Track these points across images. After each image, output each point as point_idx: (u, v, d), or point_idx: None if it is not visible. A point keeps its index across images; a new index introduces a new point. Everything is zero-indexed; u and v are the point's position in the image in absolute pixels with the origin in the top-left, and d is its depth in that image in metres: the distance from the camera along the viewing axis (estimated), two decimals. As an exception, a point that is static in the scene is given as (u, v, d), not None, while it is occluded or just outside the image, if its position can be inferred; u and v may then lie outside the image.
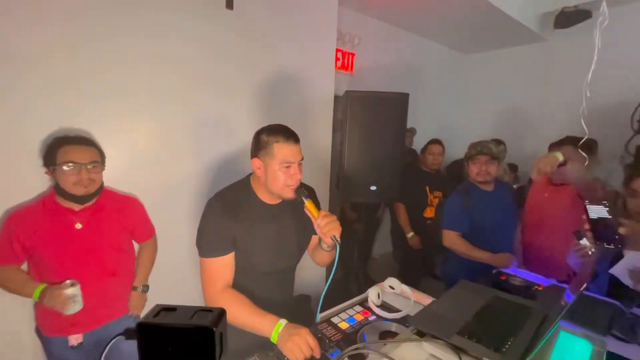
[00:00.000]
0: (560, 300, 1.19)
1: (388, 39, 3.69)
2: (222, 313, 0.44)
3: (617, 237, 0.94)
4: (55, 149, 1.21)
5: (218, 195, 1.14)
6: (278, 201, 1.16)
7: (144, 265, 1.50)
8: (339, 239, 1.02)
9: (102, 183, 1.33)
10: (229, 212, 1.07)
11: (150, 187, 1.61)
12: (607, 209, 0.96)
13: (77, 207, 1.26)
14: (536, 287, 1.46)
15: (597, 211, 0.98)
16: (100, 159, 1.30)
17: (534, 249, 1.91)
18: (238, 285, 1.12)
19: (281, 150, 1.05)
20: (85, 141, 1.28)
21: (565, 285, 1.47)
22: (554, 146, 1.90)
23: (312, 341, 0.93)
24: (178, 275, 1.73)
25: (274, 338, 0.96)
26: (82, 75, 1.39)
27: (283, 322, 0.99)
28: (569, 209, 1.77)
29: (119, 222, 1.37)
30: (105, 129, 1.47)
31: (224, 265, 1.08)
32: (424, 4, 3.08)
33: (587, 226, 1.00)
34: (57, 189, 1.23)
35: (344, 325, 1.07)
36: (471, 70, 4.62)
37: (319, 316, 1.11)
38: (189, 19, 1.64)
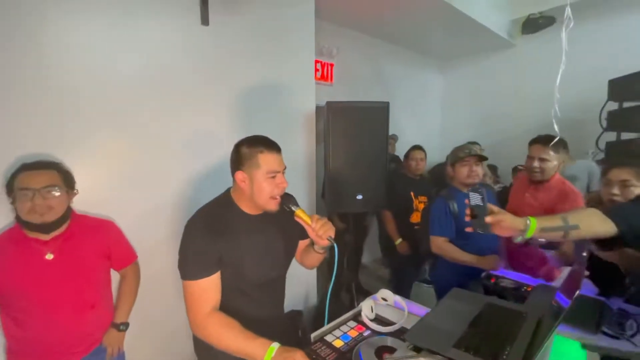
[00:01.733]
0: (551, 300, 1.20)
1: (365, 48, 3.76)
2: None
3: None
4: (14, 177, 1.13)
5: (199, 214, 1.10)
6: (261, 211, 1.14)
7: (125, 297, 1.39)
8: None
9: (69, 208, 1.22)
10: (213, 230, 1.04)
11: (129, 209, 1.54)
12: (482, 197, 1.04)
13: (45, 236, 1.16)
14: (525, 287, 1.47)
15: (475, 199, 1.05)
16: (61, 183, 1.17)
17: (518, 249, 1.95)
18: (228, 304, 1.08)
19: (266, 160, 1.05)
20: (43, 165, 1.17)
21: (551, 284, 1.49)
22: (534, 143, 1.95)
23: (308, 365, 0.89)
24: (161, 300, 1.65)
25: None
26: (52, 95, 1.33)
27: (275, 345, 0.95)
28: (553, 205, 1.82)
29: (95, 249, 1.28)
30: (79, 151, 1.40)
31: (210, 286, 1.03)
32: (396, 14, 3.16)
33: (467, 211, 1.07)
34: (17, 218, 1.14)
35: (338, 344, 1.03)
36: (447, 77, 4.76)
37: (312, 336, 1.07)
38: (166, 36, 1.61)
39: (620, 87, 2.74)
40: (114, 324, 1.33)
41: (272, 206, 1.08)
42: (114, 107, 1.48)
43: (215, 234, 1.03)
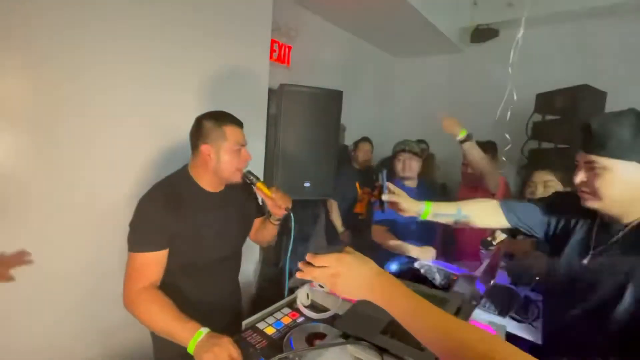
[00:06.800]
0: (472, 288, 1.31)
1: (324, 34, 3.70)
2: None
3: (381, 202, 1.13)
4: None
5: (156, 188, 1.08)
6: (220, 189, 1.17)
7: None
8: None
9: None
10: (169, 206, 1.03)
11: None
12: (382, 177, 1.13)
13: None
14: (452, 276, 1.59)
15: (381, 179, 1.14)
16: None
17: (458, 244, 2.11)
18: (179, 283, 1.10)
19: (234, 133, 1.10)
20: None
21: (473, 274, 1.64)
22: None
23: (234, 352, 0.86)
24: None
25: (190, 348, 0.87)
26: None
27: (204, 330, 0.90)
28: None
29: None
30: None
31: (153, 262, 1.02)
32: (357, 3, 3.14)
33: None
34: None
35: (270, 331, 1.01)
36: (400, 73, 4.91)
37: (244, 323, 1.03)
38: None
39: (545, 101, 3.08)
40: None
41: (236, 178, 1.13)
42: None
43: (170, 209, 1.03)
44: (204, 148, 1.08)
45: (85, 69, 1.39)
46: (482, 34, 3.74)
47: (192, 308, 0.98)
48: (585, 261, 0.84)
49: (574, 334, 0.86)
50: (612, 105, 2.93)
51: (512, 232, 1.17)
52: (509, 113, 1.80)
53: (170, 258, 1.06)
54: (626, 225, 0.80)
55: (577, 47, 3.37)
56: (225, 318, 1.12)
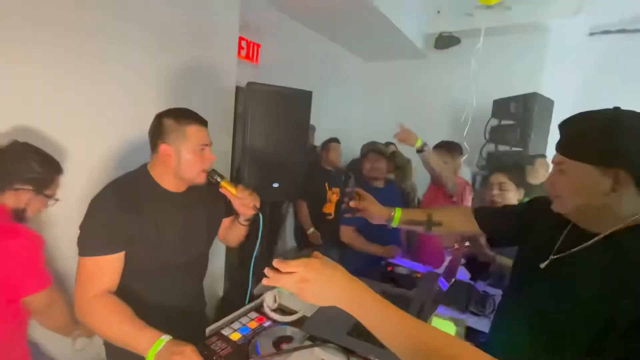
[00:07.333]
0: (434, 285, 1.37)
1: (294, 34, 3.68)
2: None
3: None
4: None
5: (112, 187, 0.99)
6: (183, 189, 1.09)
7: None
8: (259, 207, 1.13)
9: None
10: (127, 206, 0.95)
11: None
12: (351, 182, 1.16)
13: None
14: (415, 274, 1.65)
15: (351, 184, 1.17)
16: None
17: (422, 242, 2.18)
18: (140, 290, 1.02)
19: (196, 133, 1.02)
20: None
21: (436, 271, 1.71)
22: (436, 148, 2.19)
23: (197, 360, 0.82)
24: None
25: (150, 357, 0.82)
26: None
27: (166, 338, 0.85)
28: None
29: None
30: None
31: (108, 266, 0.94)
32: (325, 7, 3.15)
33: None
34: None
35: (235, 337, 0.98)
36: (369, 77, 5.01)
37: (208, 330, 0.99)
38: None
39: (501, 107, 3.28)
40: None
41: (200, 179, 1.06)
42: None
43: (126, 209, 0.94)
44: (163, 148, 1.00)
45: (38, 64, 1.28)
46: (445, 41, 3.92)
47: (152, 316, 0.93)
48: (542, 265, 0.81)
49: (515, 332, 0.84)
50: (558, 112, 3.21)
51: (487, 238, 1.17)
52: (470, 118, 1.90)
53: (128, 262, 0.99)
54: (592, 237, 0.72)
55: (531, 56, 3.63)
56: (189, 325, 1.07)
